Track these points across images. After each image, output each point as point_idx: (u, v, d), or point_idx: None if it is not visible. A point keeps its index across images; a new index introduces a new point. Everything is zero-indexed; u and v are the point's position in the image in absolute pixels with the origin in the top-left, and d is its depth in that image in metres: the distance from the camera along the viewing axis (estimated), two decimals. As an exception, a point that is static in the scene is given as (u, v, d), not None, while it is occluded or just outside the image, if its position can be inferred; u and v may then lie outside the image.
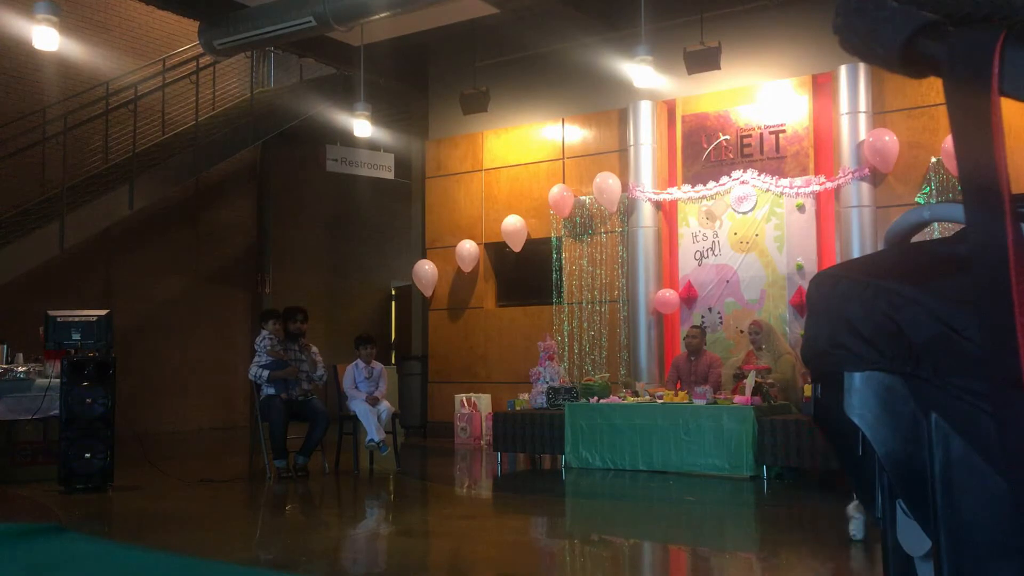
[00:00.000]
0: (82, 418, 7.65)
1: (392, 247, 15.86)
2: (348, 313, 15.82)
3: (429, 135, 12.96)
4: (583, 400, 9.00)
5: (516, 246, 11.70)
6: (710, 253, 10.39)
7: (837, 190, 9.64)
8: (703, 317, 10.31)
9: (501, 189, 12.09)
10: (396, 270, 15.71)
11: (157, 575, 0.99)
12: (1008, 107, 0.92)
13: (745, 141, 10.26)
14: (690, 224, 10.55)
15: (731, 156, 10.32)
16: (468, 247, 12.06)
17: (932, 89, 8.89)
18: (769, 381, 8.36)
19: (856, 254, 9.12)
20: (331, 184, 14.71)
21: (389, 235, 16.08)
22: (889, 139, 9.36)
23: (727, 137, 10.35)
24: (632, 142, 10.79)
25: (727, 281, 10.23)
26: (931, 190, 9.28)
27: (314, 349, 9.08)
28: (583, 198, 11.30)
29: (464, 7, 10.64)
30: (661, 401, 8.54)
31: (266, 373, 8.66)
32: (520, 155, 11.98)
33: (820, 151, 9.91)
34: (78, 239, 11.18)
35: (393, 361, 15.10)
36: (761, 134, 10.16)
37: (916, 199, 9.31)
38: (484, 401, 11.63)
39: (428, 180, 12.83)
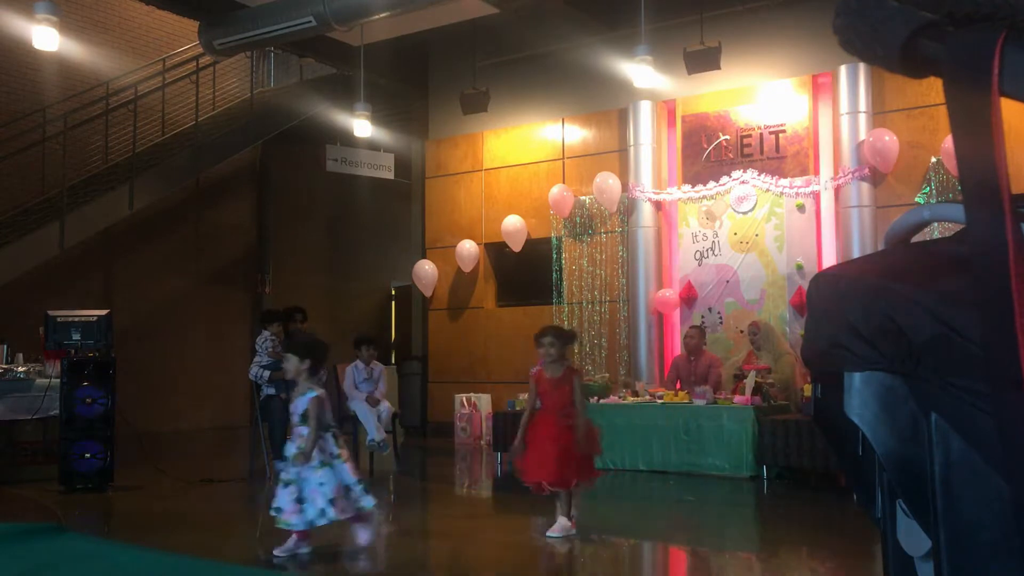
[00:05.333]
0: (82, 418, 7.66)
1: (392, 247, 15.85)
2: (348, 313, 15.81)
3: (429, 135, 12.96)
4: (583, 400, 8.99)
5: (516, 246, 11.69)
6: (710, 253, 10.39)
7: (837, 190, 9.64)
8: (703, 317, 10.30)
9: (501, 189, 12.09)
10: (396, 270, 15.70)
11: (157, 575, 0.99)
12: (1008, 107, 0.92)
13: (745, 141, 10.26)
14: (690, 224, 10.55)
15: (731, 156, 10.32)
16: (468, 247, 12.06)
17: (932, 89, 8.88)
18: (769, 381, 8.36)
19: (856, 254, 9.11)
20: (331, 184, 14.71)
21: (389, 235, 16.07)
22: (889, 139, 9.35)
23: (727, 137, 10.35)
24: (632, 142, 10.79)
25: (727, 281, 10.23)
26: (931, 190, 9.28)
27: (314, 349, 9.06)
28: (583, 198, 11.30)
29: (464, 7, 10.63)
30: (661, 401, 8.54)
31: (267, 373, 8.66)
32: (520, 155, 11.98)
33: (820, 151, 9.91)
34: (78, 239, 11.17)
35: (393, 361, 15.10)
36: (761, 134, 10.15)
37: (916, 199, 9.31)
38: (484, 401, 11.63)
39: (428, 180, 12.83)
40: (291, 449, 5.05)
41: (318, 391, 5.16)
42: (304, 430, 5.03)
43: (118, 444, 7.92)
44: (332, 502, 4.89)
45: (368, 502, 5.07)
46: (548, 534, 5.60)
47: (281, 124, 13.43)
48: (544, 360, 5.71)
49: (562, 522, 5.66)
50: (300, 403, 5.12)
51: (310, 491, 4.92)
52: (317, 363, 5.34)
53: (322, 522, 4.93)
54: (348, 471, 5.05)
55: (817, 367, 1.15)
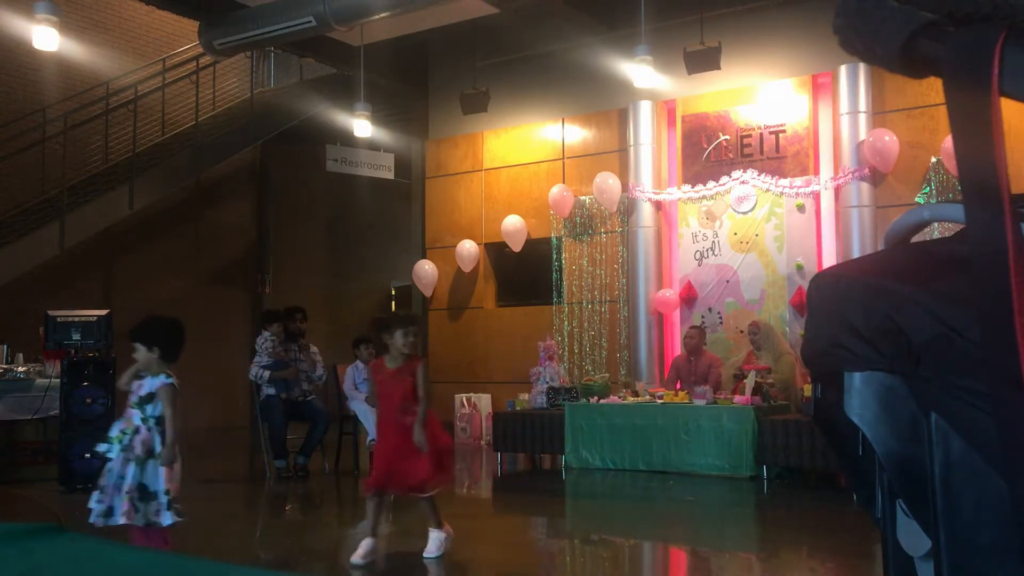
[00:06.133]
0: (82, 418, 7.66)
1: (392, 247, 15.85)
2: (348, 313, 15.81)
3: (429, 135, 12.96)
4: (583, 400, 9.00)
5: (516, 246, 11.69)
6: (710, 253, 10.39)
7: (837, 190, 9.64)
8: (703, 317, 10.30)
9: (501, 189, 12.09)
10: (396, 270, 15.70)
11: (157, 575, 0.99)
12: (1008, 107, 0.92)
13: (745, 141, 10.25)
14: (690, 224, 10.54)
15: (731, 156, 10.32)
16: (468, 247, 12.05)
17: (932, 89, 8.88)
18: (769, 381, 8.36)
19: (856, 254, 9.11)
20: (331, 184, 14.70)
21: (389, 235, 16.07)
22: (889, 139, 9.35)
23: (727, 137, 10.34)
24: (632, 142, 10.79)
25: (727, 281, 10.23)
26: (931, 190, 9.28)
27: (314, 349, 9.08)
28: (583, 198, 11.30)
29: (464, 7, 10.63)
30: (661, 401, 8.53)
31: (267, 373, 8.66)
32: (520, 155, 11.98)
33: (820, 151, 9.91)
34: (78, 239, 11.17)
35: (393, 361, 15.07)
36: (761, 134, 10.15)
37: (916, 199, 9.31)
38: (484, 401, 11.63)
39: (428, 180, 12.83)
40: (114, 431, 4.60)
41: (175, 379, 4.68)
42: (135, 414, 4.60)
43: (118, 444, 7.90)
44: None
45: (166, 519, 4.52)
46: (425, 555, 5.06)
47: (281, 124, 13.43)
48: (402, 350, 5.11)
49: (434, 536, 5.12)
50: (147, 384, 4.65)
51: (109, 483, 4.47)
52: (167, 350, 4.77)
53: (105, 522, 4.43)
54: (162, 476, 4.55)
55: (817, 367, 1.15)
